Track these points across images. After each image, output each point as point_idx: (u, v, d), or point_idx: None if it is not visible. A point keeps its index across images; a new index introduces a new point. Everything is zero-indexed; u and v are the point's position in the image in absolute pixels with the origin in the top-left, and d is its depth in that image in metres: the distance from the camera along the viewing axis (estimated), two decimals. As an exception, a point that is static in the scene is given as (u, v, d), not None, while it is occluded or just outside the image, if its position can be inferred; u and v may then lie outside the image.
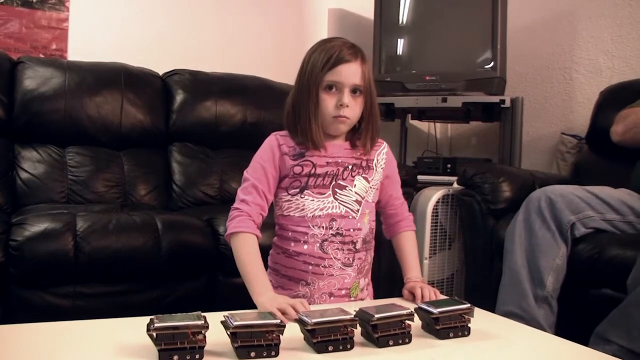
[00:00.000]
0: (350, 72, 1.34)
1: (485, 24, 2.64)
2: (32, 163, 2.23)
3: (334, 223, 1.36)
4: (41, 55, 2.61)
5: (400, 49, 2.89)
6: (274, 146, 1.39)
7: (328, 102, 1.35)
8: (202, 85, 2.59)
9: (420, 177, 2.48)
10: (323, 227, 1.36)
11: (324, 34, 3.22)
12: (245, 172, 1.41)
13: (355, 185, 1.40)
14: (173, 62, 2.68)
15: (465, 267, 2.26)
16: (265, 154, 1.39)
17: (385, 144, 1.49)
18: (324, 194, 1.37)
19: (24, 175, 2.19)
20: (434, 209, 2.25)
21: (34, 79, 2.30)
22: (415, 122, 3.28)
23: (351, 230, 1.38)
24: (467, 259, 2.22)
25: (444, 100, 2.66)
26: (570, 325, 1.67)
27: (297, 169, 1.37)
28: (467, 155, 3.08)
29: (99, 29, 2.74)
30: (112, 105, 2.38)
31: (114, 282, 1.74)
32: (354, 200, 1.39)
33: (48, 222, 1.70)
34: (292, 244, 1.37)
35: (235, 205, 1.37)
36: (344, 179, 1.39)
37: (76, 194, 2.22)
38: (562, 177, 2.50)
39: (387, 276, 2.15)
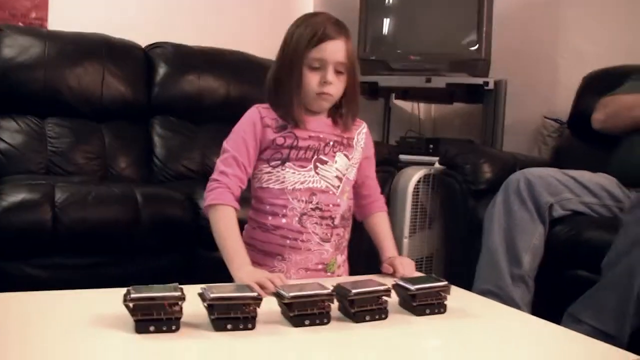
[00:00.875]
0: (335, 49, 1.34)
1: (471, 5, 2.63)
2: (10, 133, 2.20)
3: (313, 197, 1.36)
4: (20, 24, 2.56)
5: (385, 28, 2.87)
6: (256, 119, 1.38)
7: (312, 78, 1.34)
8: (185, 58, 2.56)
9: (402, 157, 2.49)
10: (302, 200, 1.35)
11: (309, 10, 3.19)
12: (225, 143, 1.39)
13: (336, 161, 1.40)
14: (155, 35, 2.64)
15: (444, 246, 2.28)
16: (246, 125, 1.38)
17: (364, 124, 1.49)
18: (306, 167, 1.37)
19: (2, 145, 2.16)
20: (414, 188, 2.26)
21: (12, 48, 2.25)
22: (399, 102, 3.28)
23: (330, 205, 1.38)
24: (446, 239, 2.24)
25: (428, 80, 2.66)
26: (546, 304, 1.69)
27: (280, 140, 1.36)
28: (450, 136, 3.09)
29: (80, -2, 2.69)
30: (93, 77, 2.35)
31: (92, 254, 1.74)
32: (335, 176, 1.39)
33: (26, 192, 1.69)
34: (270, 218, 1.37)
35: (214, 176, 1.36)
36: (325, 154, 1.39)
37: (55, 165, 2.19)
38: (543, 160, 2.52)
39: (367, 255, 2.17)
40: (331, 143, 1.40)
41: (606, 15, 2.67)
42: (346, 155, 1.41)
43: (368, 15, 2.85)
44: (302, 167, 1.36)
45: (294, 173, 1.36)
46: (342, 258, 1.45)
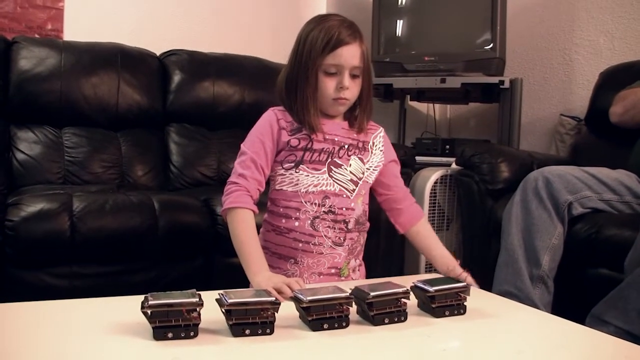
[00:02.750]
0: (350, 54, 1.32)
1: (484, 4, 2.62)
2: (28, 144, 2.22)
3: (326, 200, 1.35)
4: (36, 36, 2.59)
5: (399, 29, 2.87)
6: (272, 120, 1.38)
7: (328, 84, 1.33)
8: (200, 65, 2.57)
9: (418, 158, 2.48)
10: (315, 203, 1.35)
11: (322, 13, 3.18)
12: (242, 145, 1.39)
13: (350, 164, 1.39)
14: (170, 42, 2.66)
15: (462, 247, 2.26)
16: (263, 128, 1.38)
17: (381, 128, 1.48)
18: (319, 170, 1.36)
19: (20, 156, 2.18)
20: (432, 189, 2.25)
21: (29, 60, 2.28)
22: (414, 103, 3.27)
23: (344, 209, 1.37)
24: (464, 239, 2.22)
25: (443, 80, 2.65)
26: (567, 305, 1.67)
27: (294, 142, 1.36)
28: (466, 137, 3.07)
29: (95, 8, 2.70)
30: (108, 86, 2.37)
31: (110, 262, 1.75)
32: (349, 180, 1.38)
33: (44, 202, 1.70)
34: (284, 220, 1.36)
35: (233, 179, 1.35)
36: (339, 157, 1.38)
37: (73, 174, 2.21)
38: (560, 158, 2.50)
39: (384, 258, 2.16)
40: (346, 146, 1.39)
41: (621, 10, 2.64)
42: (361, 159, 1.40)
43: (381, 17, 2.85)
44: (316, 169, 1.36)
45: (307, 176, 1.35)
46: (356, 262, 1.43)
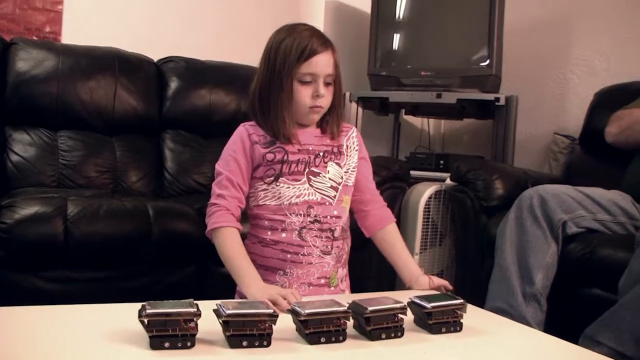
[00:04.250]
0: (324, 63, 1.34)
1: (482, 21, 2.64)
2: (23, 146, 2.21)
3: (311, 210, 1.35)
4: (34, 38, 2.58)
5: (396, 44, 2.88)
6: (244, 136, 1.38)
7: (304, 93, 1.34)
8: (197, 73, 2.57)
9: (412, 173, 2.48)
10: (300, 214, 1.35)
11: (319, 27, 3.17)
12: (217, 166, 1.39)
13: (328, 171, 1.39)
14: (168, 49, 2.66)
15: (455, 263, 2.27)
16: (235, 145, 1.38)
17: (354, 128, 1.49)
18: (299, 180, 1.36)
19: (14, 157, 2.17)
20: (425, 204, 2.25)
21: (26, 61, 2.27)
22: (409, 118, 3.28)
23: (328, 217, 1.37)
24: (457, 256, 2.23)
25: (439, 96, 2.66)
26: (559, 324, 1.68)
27: (270, 156, 1.36)
28: (460, 152, 3.09)
29: (94, 12, 2.70)
30: (105, 90, 2.36)
31: (103, 267, 1.74)
32: (329, 187, 1.38)
33: (38, 205, 1.69)
34: (269, 233, 1.36)
35: (212, 200, 1.36)
36: (316, 166, 1.38)
37: (67, 178, 2.20)
38: (554, 176, 2.51)
39: (376, 271, 2.16)
40: (321, 154, 1.39)
41: (617, 30, 2.68)
42: (338, 164, 1.41)
43: (379, 31, 2.86)
44: (296, 180, 1.36)
45: (288, 187, 1.35)
46: (343, 272, 1.43)
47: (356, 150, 1.46)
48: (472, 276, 2.07)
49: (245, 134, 1.38)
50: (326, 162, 1.39)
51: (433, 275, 2.13)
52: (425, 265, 2.29)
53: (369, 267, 2.08)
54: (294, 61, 1.32)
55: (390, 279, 2.02)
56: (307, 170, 1.37)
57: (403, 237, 2.23)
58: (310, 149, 1.38)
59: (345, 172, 1.42)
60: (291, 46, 1.33)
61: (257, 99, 1.37)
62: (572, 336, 1.48)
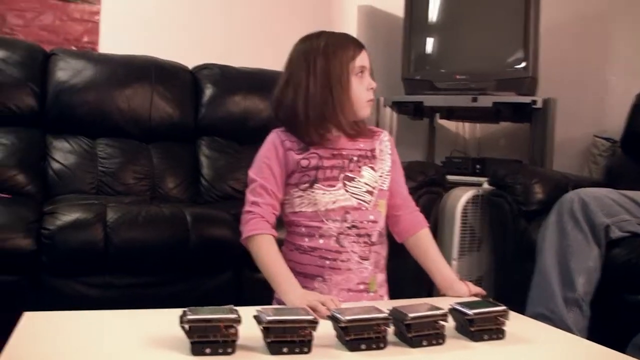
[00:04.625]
0: (367, 57, 1.39)
1: (517, 22, 2.60)
2: (63, 153, 2.25)
3: (348, 216, 1.34)
4: (73, 48, 2.63)
5: (429, 48, 2.86)
6: (277, 143, 1.38)
7: (360, 87, 1.37)
8: (231, 80, 2.59)
9: (449, 177, 2.46)
10: (337, 220, 1.34)
11: (352, 31, 3.19)
12: (250, 173, 1.39)
13: (363, 175, 1.38)
14: (203, 57, 2.68)
15: (494, 269, 2.23)
16: (268, 152, 1.38)
17: (385, 132, 1.49)
18: (335, 186, 1.35)
19: (55, 165, 2.21)
20: (463, 209, 2.22)
21: (66, 71, 2.32)
22: (444, 122, 3.25)
23: (365, 222, 1.36)
24: (496, 261, 2.20)
25: (474, 99, 2.63)
26: (604, 332, 1.63)
27: (304, 162, 1.35)
28: (496, 156, 3.04)
29: (129, 22, 2.74)
30: (141, 98, 2.40)
31: (142, 273, 1.75)
32: (365, 191, 1.37)
33: (79, 212, 1.72)
34: (307, 239, 1.35)
35: (247, 208, 1.36)
36: (351, 171, 1.37)
37: (106, 185, 2.23)
38: (595, 179, 2.46)
39: (412, 277, 2.14)
40: (355, 158, 1.38)
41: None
42: (372, 168, 1.40)
43: (412, 35, 2.85)
44: (332, 186, 1.35)
45: (324, 194, 1.34)
46: (382, 277, 1.42)
47: (389, 154, 1.45)
48: (511, 282, 2.04)
49: (278, 140, 1.38)
50: (360, 167, 1.38)
51: (472, 281, 2.11)
52: (464, 271, 2.26)
53: (405, 272, 2.06)
54: (350, 56, 1.35)
55: (428, 284, 2.01)
56: (342, 175, 1.36)
57: (440, 243, 2.22)
58: (344, 153, 1.38)
59: (380, 176, 1.41)
60: (342, 44, 1.36)
61: (309, 109, 1.34)
62: (618, 345, 1.43)
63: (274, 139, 1.39)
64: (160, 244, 1.74)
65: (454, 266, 2.21)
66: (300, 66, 1.37)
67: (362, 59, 1.37)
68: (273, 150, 1.37)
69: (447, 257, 2.20)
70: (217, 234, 1.82)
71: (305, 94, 1.35)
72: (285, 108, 1.38)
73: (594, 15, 2.83)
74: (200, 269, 1.82)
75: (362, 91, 1.37)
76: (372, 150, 1.42)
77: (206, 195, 2.40)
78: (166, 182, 2.35)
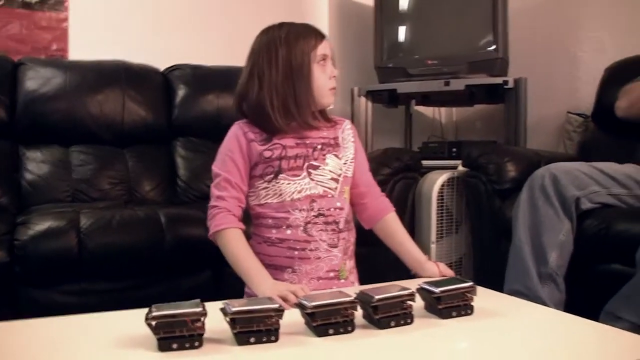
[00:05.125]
0: (329, 46, 1.40)
1: (486, 4, 2.62)
2: (36, 164, 2.24)
3: (314, 204, 1.35)
4: (42, 56, 2.61)
5: (401, 35, 2.87)
6: (240, 135, 1.38)
7: (322, 75, 1.38)
8: (204, 79, 2.58)
9: (425, 162, 2.46)
10: (304, 209, 1.34)
11: (324, 23, 3.20)
12: (214, 167, 1.39)
13: (327, 163, 1.39)
14: (174, 58, 2.67)
15: (473, 249, 2.25)
16: (231, 144, 1.38)
17: (347, 121, 1.49)
18: (299, 175, 1.36)
19: (28, 176, 2.20)
20: (439, 192, 2.23)
21: (35, 80, 2.30)
22: (420, 108, 3.26)
23: (332, 209, 1.37)
24: (474, 241, 2.21)
25: (447, 83, 2.64)
26: (580, 302, 1.65)
27: (267, 153, 1.36)
28: (473, 139, 3.06)
29: (98, 27, 2.73)
30: (113, 103, 2.38)
31: (119, 278, 1.75)
32: (330, 179, 1.38)
33: (51, 220, 1.71)
34: (274, 231, 1.35)
35: (212, 203, 1.36)
36: (315, 159, 1.38)
37: (81, 192, 2.22)
38: (568, 155, 2.48)
39: (395, 264, 2.14)
40: (319, 147, 1.39)
41: (624, 4, 2.63)
42: (336, 155, 1.41)
43: (383, 23, 2.85)
44: (296, 175, 1.35)
45: (289, 184, 1.35)
46: (351, 263, 1.43)
47: (352, 142, 1.46)
48: (490, 261, 2.05)
49: (240, 132, 1.38)
50: (325, 155, 1.39)
51: (451, 263, 2.13)
52: (443, 253, 2.27)
53: (385, 261, 2.07)
54: (312, 44, 1.36)
55: (408, 272, 2.02)
56: (306, 164, 1.37)
57: (418, 227, 2.23)
58: (308, 142, 1.38)
59: (344, 163, 1.41)
60: (303, 34, 1.38)
61: (273, 99, 1.34)
62: (594, 315, 1.46)
63: (236, 131, 1.39)
64: (135, 247, 1.74)
65: (432, 249, 2.22)
66: (262, 57, 1.37)
67: (323, 48, 1.38)
68: (236, 143, 1.37)
69: (426, 241, 2.21)
70: (192, 233, 1.82)
71: (268, 85, 1.35)
72: (250, 100, 1.38)
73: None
74: (177, 269, 1.81)
75: (324, 80, 1.38)
76: (336, 139, 1.42)
77: (183, 196, 2.39)
78: (142, 186, 2.35)
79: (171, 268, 1.79)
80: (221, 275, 1.85)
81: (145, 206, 1.99)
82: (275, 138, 1.37)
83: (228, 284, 1.84)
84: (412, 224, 2.23)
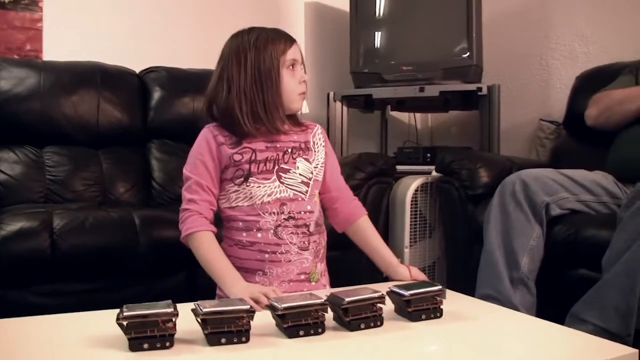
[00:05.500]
0: (299, 51, 1.41)
1: (460, 12, 2.65)
2: (9, 164, 2.21)
3: (284, 207, 1.36)
4: (16, 57, 2.59)
5: (376, 41, 2.90)
6: (210, 138, 1.38)
7: (292, 80, 1.39)
8: (179, 81, 2.58)
9: (400, 167, 2.49)
10: (274, 212, 1.35)
11: (300, 29, 3.21)
12: (184, 170, 1.40)
13: (298, 167, 1.40)
14: (149, 60, 2.67)
15: (446, 254, 2.27)
16: (201, 148, 1.38)
17: (318, 125, 1.50)
18: (269, 179, 1.36)
19: (1, 176, 2.17)
20: (413, 197, 2.26)
21: (8, 80, 2.28)
22: (396, 114, 3.29)
23: (302, 212, 1.38)
24: (447, 246, 2.23)
25: (422, 89, 2.67)
26: (550, 307, 1.68)
27: (237, 157, 1.36)
28: (448, 144, 3.10)
29: (73, 28, 2.71)
30: (88, 104, 2.37)
31: (92, 279, 1.74)
32: (300, 182, 1.39)
33: (24, 220, 1.69)
34: (245, 234, 1.36)
35: (184, 206, 1.37)
36: (285, 162, 1.39)
37: (55, 193, 2.20)
38: (540, 162, 2.52)
39: (369, 268, 2.16)
40: (289, 150, 1.40)
41: (595, 14, 2.69)
42: (307, 159, 1.42)
43: (359, 29, 2.88)
44: (266, 179, 1.36)
45: (259, 187, 1.36)
46: (322, 266, 1.44)
47: (323, 146, 1.47)
48: (463, 266, 2.08)
49: (210, 135, 1.39)
50: (295, 158, 1.40)
51: (424, 267, 2.15)
52: (417, 257, 2.30)
53: (359, 265, 2.08)
54: (281, 49, 1.37)
55: (381, 275, 2.04)
56: (276, 167, 1.38)
57: (392, 232, 2.25)
58: (278, 145, 1.39)
59: (314, 167, 1.43)
60: (273, 38, 1.38)
61: (242, 103, 1.34)
62: (564, 318, 1.49)
63: (206, 134, 1.40)
64: (108, 248, 1.73)
65: (406, 254, 2.24)
66: (231, 61, 1.38)
67: (293, 52, 1.39)
68: (206, 146, 1.38)
69: (400, 245, 2.23)
70: (166, 235, 1.81)
71: (237, 89, 1.35)
72: (219, 103, 1.39)
73: (534, 3, 2.90)
74: (152, 271, 1.81)
75: (293, 84, 1.39)
76: (306, 143, 1.43)
77: (158, 198, 2.39)
78: (117, 187, 2.34)
79: (145, 270, 1.79)
80: (195, 277, 1.85)
81: (119, 208, 1.98)
82: (245, 141, 1.37)
83: (202, 286, 1.83)
84: (386, 228, 2.25)
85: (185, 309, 0.99)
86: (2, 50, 2.59)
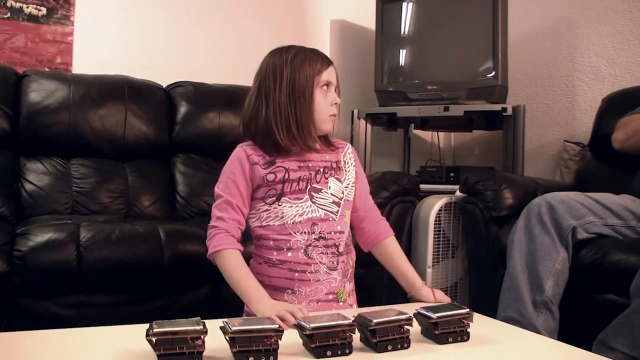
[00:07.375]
0: (335, 73, 1.42)
1: (486, 32, 2.65)
2: (37, 175, 2.25)
3: (315, 227, 1.37)
4: (46, 69, 2.64)
5: (402, 59, 2.90)
6: (243, 158, 1.39)
7: (324, 101, 1.39)
8: (205, 96, 2.61)
9: (423, 187, 2.49)
10: (305, 232, 1.36)
11: (326, 46, 3.24)
12: (216, 188, 1.41)
13: (329, 187, 1.40)
14: (176, 74, 2.70)
15: (468, 274, 2.26)
16: (234, 167, 1.39)
17: (348, 144, 1.51)
18: (302, 198, 1.37)
19: (29, 187, 2.21)
20: (436, 217, 2.25)
21: (38, 92, 2.32)
22: (419, 132, 3.29)
23: (332, 233, 1.38)
24: (470, 267, 2.22)
25: (446, 109, 2.67)
26: (573, 332, 1.66)
27: (270, 177, 1.37)
28: (471, 164, 3.09)
29: (103, 42, 2.76)
30: (115, 117, 2.41)
31: (117, 291, 1.75)
32: (332, 202, 1.40)
33: (52, 232, 1.72)
34: (275, 253, 1.37)
35: (212, 223, 1.38)
36: (317, 182, 1.40)
37: (80, 205, 2.23)
38: (564, 184, 2.50)
39: (389, 287, 2.16)
40: (321, 170, 1.41)
41: (621, 36, 2.68)
42: (338, 179, 1.42)
43: (384, 47, 2.89)
44: (298, 199, 1.37)
45: (291, 207, 1.36)
46: (350, 286, 1.44)
47: (353, 166, 1.48)
48: (485, 287, 2.06)
49: (243, 155, 1.40)
50: (327, 178, 1.41)
51: (446, 288, 2.14)
52: (439, 277, 2.29)
53: (380, 283, 2.08)
54: (317, 69, 1.38)
55: (403, 294, 2.03)
56: (308, 187, 1.38)
57: (415, 251, 2.24)
58: (311, 165, 1.40)
59: (345, 187, 1.43)
60: (310, 58, 1.39)
61: (277, 119, 1.36)
62: (587, 343, 1.47)
63: (240, 153, 1.41)
64: (134, 261, 1.75)
65: (428, 274, 2.23)
66: (268, 77, 1.40)
67: (328, 74, 1.40)
68: (239, 166, 1.39)
69: (422, 265, 2.23)
70: (191, 249, 1.83)
71: (273, 104, 1.37)
72: (256, 119, 1.40)
73: (560, 23, 2.89)
74: (176, 285, 1.82)
75: (325, 105, 1.39)
76: (338, 162, 1.44)
77: (182, 212, 2.41)
78: (142, 200, 2.36)
79: (169, 284, 1.80)
80: (219, 291, 1.87)
81: (145, 221, 2.00)
82: (278, 161, 1.38)
83: (226, 300, 1.85)
84: (409, 247, 2.25)
85: (211, 325, 1.00)
86: (33, 62, 2.64)
